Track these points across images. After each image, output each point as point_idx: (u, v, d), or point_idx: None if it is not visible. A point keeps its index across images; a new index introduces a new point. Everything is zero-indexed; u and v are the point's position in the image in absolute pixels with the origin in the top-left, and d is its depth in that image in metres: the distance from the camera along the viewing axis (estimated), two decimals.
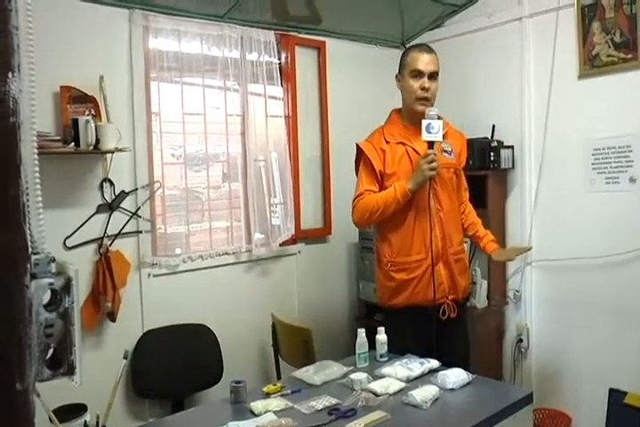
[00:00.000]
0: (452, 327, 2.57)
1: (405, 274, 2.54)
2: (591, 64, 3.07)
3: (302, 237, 3.58)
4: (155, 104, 2.97)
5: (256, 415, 2.03)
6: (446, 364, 2.35)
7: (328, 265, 3.71)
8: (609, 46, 3.00)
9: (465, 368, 2.31)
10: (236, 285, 3.27)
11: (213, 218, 3.23)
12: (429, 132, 2.35)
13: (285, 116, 3.52)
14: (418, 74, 2.53)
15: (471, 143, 3.32)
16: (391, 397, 2.16)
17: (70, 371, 0.68)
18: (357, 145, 2.63)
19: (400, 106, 2.65)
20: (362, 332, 2.53)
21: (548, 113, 3.26)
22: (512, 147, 3.37)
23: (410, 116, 2.58)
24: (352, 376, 2.28)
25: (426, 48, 2.58)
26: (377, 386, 2.21)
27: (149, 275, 2.95)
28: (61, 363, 0.67)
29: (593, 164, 3.08)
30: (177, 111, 3.06)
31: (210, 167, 3.22)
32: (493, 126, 3.46)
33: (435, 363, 2.41)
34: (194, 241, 3.15)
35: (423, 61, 2.53)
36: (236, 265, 3.28)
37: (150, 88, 2.94)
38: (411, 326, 2.56)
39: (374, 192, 2.52)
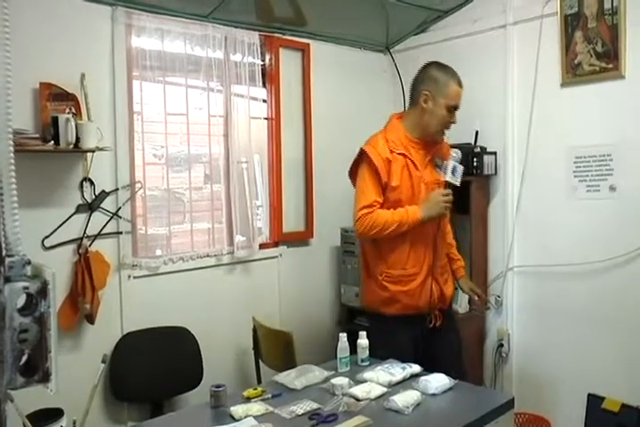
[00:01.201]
0: (442, 334, 2.60)
1: (401, 286, 2.53)
2: (574, 73, 3.09)
3: (284, 240, 3.55)
4: (137, 103, 2.92)
5: (236, 420, 2.00)
6: (438, 370, 2.32)
7: (310, 268, 3.68)
8: (591, 55, 3.01)
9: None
10: (217, 287, 3.23)
11: (195, 219, 3.18)
12: (453, 175, 2.41)
13: (269, 118, 3.49)
14: (454, 109, 2.50)
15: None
16: (373, 402, 2.13)
17: (45, 378, 0.64)
18: (362, 150, 2.52)
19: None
20: (343, 336, 2.50)
21: (531, 120, 3.26)
22: (495, 153, 3.37)
23: (419, 133, 2.53)
24: (333, 381, 2.25)
25: (460, 81, 2.52)
26: (358, 391, 2.18)
27: (129, 276, 2.89)
28: (36, 370, 0.63)
29: (574, 171, 3.09)
30: (159, 111, 3.01)
31: (192, 168, 3.17)
32: (477, 132, 3.46)
33: (416, 368, 2.39)
34: (175, 243, 3.10)
35: (460, 97, 2.50)
36: (217, 267, 3.24)
37: (132, 87, 2.89)
38: (402, 332, 2.56)
39: (381, 204, 2.46)
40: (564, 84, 3.13)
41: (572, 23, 3.06)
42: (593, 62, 3.01)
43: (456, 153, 2.45)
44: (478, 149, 3.34)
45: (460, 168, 2.42)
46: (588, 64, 3.03)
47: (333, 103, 3.77)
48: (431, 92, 2.46)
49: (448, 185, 2.43)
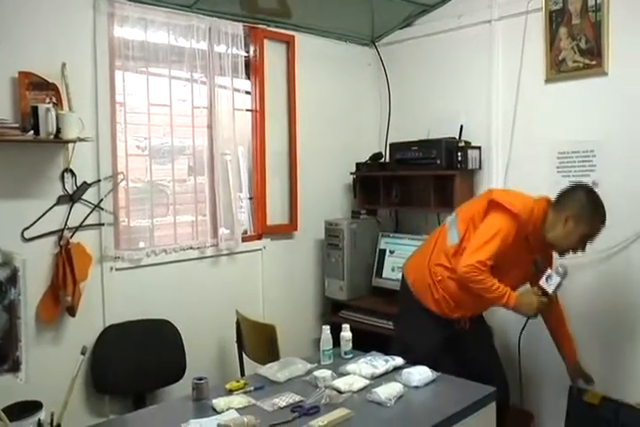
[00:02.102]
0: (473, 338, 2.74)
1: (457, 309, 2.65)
2: (558, 69, 3.09)
3: (268, 232, 3.52)
4: (119, 94, 2.87)
5: (218, 413, 1.99)
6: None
7: (293, 261, 3.66)
8: (575, 52, 3.01)
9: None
10: (200, 280, 3.20)
11: (178, 212, 3.15)
12: (547, 282, 2.46)
13: (253, 110, 3.46)
14: (588, 240, 2.50)
15: (439, 143, 3.33)
16: (355, 394, 2.13)
17: (15, 367, 0.61)
18: (510, 210, 2.45)
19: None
20: (326, 329, 2.50)
21: (516, 115, 3.26)
22: (479, 148, 3.36)
23: (546, 236, 2.52)
24: (316, 373, 2.24)
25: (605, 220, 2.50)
26: (341, 383, 2.18)
27: (112, 269, 2.85)
28: (5, 359, 0.61)
29: (558, 167, 3.09)
30: (142, 102, 2.97)
31: (175, 160, 3.13)
32: (461, 127, 3.46)
33: (399, 360, 2.40)
34: (158, 235, 3.06)
35: (600, 233, 2.49)
36: (200, 260, 3.20)
37: (115, 77, 2.85)
38: (436, 327, 2.66)
39: (491, 265, 2.44)
40: (548, 80, 3.13)
41: (556, 19, 3.06)
42: (577, 59, 3.01)
43: (562, 267, 2.47)
44: (463, 144, 3.33)
45: (557, 280, 2.45)
46: (571, 60, 3.03)
47: (318, 96, 3.75)
48: (576, 216, 2.44)
49: (545, 292, 2.47)
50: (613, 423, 2.68)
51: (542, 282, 2.46)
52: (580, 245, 2.48)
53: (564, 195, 2.52)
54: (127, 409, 2.75)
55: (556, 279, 2.43)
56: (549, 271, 2.45)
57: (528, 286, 2.60)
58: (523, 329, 2.82)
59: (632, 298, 2.82)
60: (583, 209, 2.43)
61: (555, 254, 2.63)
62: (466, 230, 2.57)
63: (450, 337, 2.69)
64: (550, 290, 2.44)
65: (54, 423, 1.84)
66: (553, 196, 2.53)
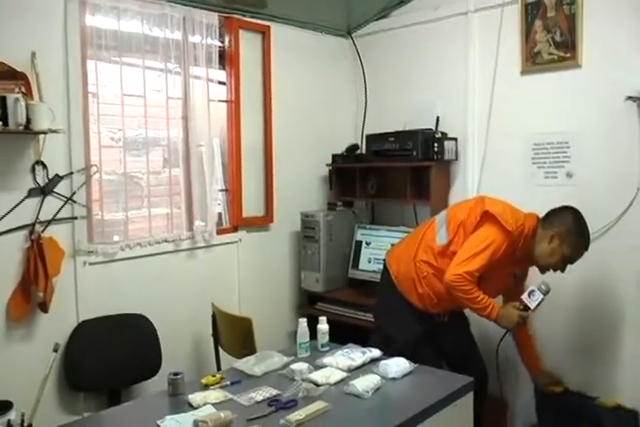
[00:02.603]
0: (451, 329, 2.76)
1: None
2: (533, 61, 3.10)
3: (243, 225, 3.49)
4: (92, 84, 2.80)
5: (194, 408, 1.96)
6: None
7: (269, 254, 3.63)
8: (550, 44, 3.02)
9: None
10: (175, 273, 3.15)
11: (153, 205, 3.09)
12: (529, 297, 2.46)
13: (228, 101, 3.42)
14: (569, 262, 2.52)
15: (416, 134, 3.32)
16: (332, 387, 2.12)
17: None
18: (503, 224, 2.49)
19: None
20: (303, 321, 2.48)
21: (492, 107, 3.27)
22: (456, 139, 3.36)
23: (532, 252, 2.55)
24: (293, 366, 2.23)
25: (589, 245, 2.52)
26: (318, 376, 2.17)
27: (85, 263, 2.79)
28: None
29: (533, 158, 3.11)
30: (116, 93, 2.90)
31: (150, 152, 3.08)
32: (437, 118, 3.45)
33: (376, 352, 2.39)
34: (132, 228, 3.01)
35: (580, 257, 2.52)
36: (175, 253, 3.16)
37: (87, 67, 2.78)
38: (417, 318, 2.68)
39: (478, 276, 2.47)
40: (523, 72, 3.14)
41: (532, 12, 3.07)
42: (552, 51, 3.02)
43: (545, 285, 2.47)
44: (439, 135, 3.33)
45: (539, 297, 2.45)
46: (547, 53, 3.04)
47: (294, 87, 3.71)
48: (562, 236, 2.47)
49: (527, 307, 2.47)
50: (577, 412, 2.74)
51: (524, 297, 2.48)
52: (560, 265, 2.51)
53: (554, 213, 2.56)
54: (102, 406, 2.70)
55: (538, 295, 2.45)
56: (533, 287, 2.47)
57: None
58: (502, 338, 2.86)
59: (608, 288, 2.86)
60: (569, 231, 2.47)
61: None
62: (455, 234, 2.59)
63: (429, 329, 2.70)
64: (532, 306, 2.46)
65: (25, 424, 1.80)
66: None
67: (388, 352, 2.41)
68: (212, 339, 3.02)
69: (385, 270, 2.82)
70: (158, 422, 1.86)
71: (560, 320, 2.99)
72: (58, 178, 2.68)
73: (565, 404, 2.78)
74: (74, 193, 2.74)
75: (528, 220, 2.56)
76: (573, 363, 2.97)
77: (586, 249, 2.49)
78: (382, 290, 2.85)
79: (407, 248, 2.75)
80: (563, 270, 2.53)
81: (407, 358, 2.31)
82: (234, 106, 3.41)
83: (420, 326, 2.67)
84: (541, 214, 2.60)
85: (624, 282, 2.81)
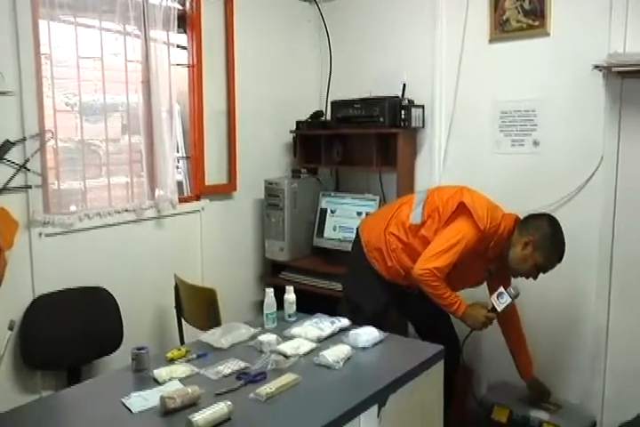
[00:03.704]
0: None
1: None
2: (502, 29, 3.04)
3: (206, 193, 3.36)
4: (44, 45, 2.60)
5: (160, 384, 1.88)
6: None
7: (233, 223, 3.52)
8: (518, 12, 2.97)
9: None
10: (136, 244, 3.01)
11: (112, 173, 2.93)
12: (498, 299, 2.41)
13: (189, 66, 3.25)
14: (542, 272, 2.46)
15: (383, 101, 3.22)
16: (302, 358, 2.07)
17: None
18: (475, 219, 2.41)
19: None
20: (270, 291, 2.41)
21: (459, 74, 3.19)
22: (423, 106, 3.28)
23: (504, 255, 2.49)
24: (261, 338, 2.16)
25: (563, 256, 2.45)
26: (287, 347, 2.10)
27: (41, 234, 2.63)
28: None
29: (500, 126, 3.07)
30: (71, 55, 2.71)
31: (108, 118, 2.90)
32: (404, 85, 3.35)
33: (345, 322, 2.34)
34: (91, 198, 2.85)
35: (553, 268, 2.45)
36: (136, 223, 3.01)
37: (39, 27, 2.57)
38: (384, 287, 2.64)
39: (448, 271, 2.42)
40: (492, 40, 3.08)
41: None
42: (520, 19, 2.97)
43: (514, 289, 2.41)
44: (406, 102, 3.24)
45: (507, 300, 2.40)
46: (515, 21, 2.99)
47: (257, 52, 3.56)
48: (536, 244, 2.40)
49: (494, 309, 2.44)
50: None
51: (493, 298, 2.44)
52: (532, 272, 2.46)
53: (531, 218, 2.49)
54: (61, 384, 2.59)
55: (506, 299, 2.40)
56: (502, 289, 2.42)
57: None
58: (467, 336, 2.85)
59: (577, 254, 2.81)
60: (543, 240, 2.41)
61: None
62: (429, 217, 2.53)
63: (398, 298, 2.67)
64: (499, 308, 2.42)
65: None
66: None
67: (357, 321, 2.36)
68: (174, 311, 2.91)
69: (357, 239, 2.76)
70: (123, 399, 1.76)
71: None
72: (9, 144, 2.50)
73: None
74: (27, 160, 2.56)
75: (505, 219, 2.50)
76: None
77: (559, 260, 2.43)
78: (353, 259, 2.79)
79: (381, 219, 2.70)
80: (535, 278, 2.48)
81: (376, 327, 2.26)
82: (195, 70, 3.24)
83: (389, 296, 2.64)
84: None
85: (587, 248, 2.81)
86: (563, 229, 2.43)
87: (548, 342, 2.96)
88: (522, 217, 2.52)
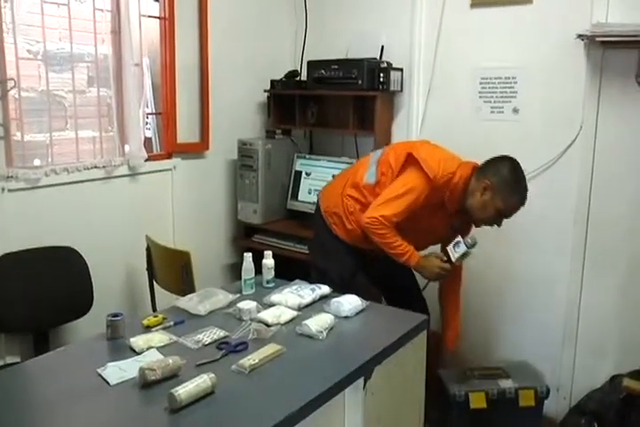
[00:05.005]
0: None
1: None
2: None
3: (178, 151, 3.13)
4: None
5: (137, 353, 1.71)
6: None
7: (205, 183, 3.31)
8: None
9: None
10: (106, 202, 2.79)
11: (79, 126, 2.68)
12: (454, 249, 2.29)
13: (161, 18, 2.97)
14: (504, 217, 2.31)
15: (361, 63, 3.02)
16: (283, 327, 1.93)
17: None
18: (425, 170, 2.25)
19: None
20: (248, 256, 2.24)
21: (439, 39, 3.01)
22: (401, 70, 3.10)
23: (465, 205, 2.32)
24: (240, 305, 2.01)
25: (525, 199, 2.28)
26: (268, 316, 1.96)
27: (3, 189, 2.40)
28: None
29: (480, 92, 2.92)
30: (34, 0, 2.41)
31: (74, 69, 2.64)
32: (382, 47, 3.16)
33: (326, 289, 2.20)
34: (57, 152, 2.60)
35: (516, 212, 2.29)
36: (105, 180, 2.78)
37: None
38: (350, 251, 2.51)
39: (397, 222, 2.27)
40: (473, 5, 2.91)
41: None
42: None
43: (471, 239, 2.27)
44: (385, 65, 3.04)
45: (463, 249, 2.26)
46: None
47: (232, 7, 3.28)
48: (494, 188, 2.23)
49: (449, 259, 2.31)
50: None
51: (450, 248, 2.31)
52: (496, 219, 2.31)
53: (489, 163, 2.31)
54: (27, 350, 2.41)
55: (462, 248, 2.26)
56: (459, 239, 2.29)
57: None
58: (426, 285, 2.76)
59: (553, 224, 2.79)
60: (502, 183, 2.24)
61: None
62: (382, 175, 2.38)
63: (363, 263, 2.55)
64: (454, 257, 2.29)
65: None
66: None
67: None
68: (146, 274, 2.73)
69: (317, 205, 2.63)
70: (99, 370, 1.60)
71: (496, 255, 2.90)
72: None
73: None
74: None
75: (462, 168, 2.30)
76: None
77: (522, 204, 2.28)
78: (315, 225, 2.65)
79: (339, 183, 2.55)
80: (499, 225, 2.34)
81: (343, 292, 2.13)
82: (167, 23, 2.97)
83: (353, 261, 2.51)
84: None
85: (564, 216, 2.74)
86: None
87: (518, 316, 2.93)
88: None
